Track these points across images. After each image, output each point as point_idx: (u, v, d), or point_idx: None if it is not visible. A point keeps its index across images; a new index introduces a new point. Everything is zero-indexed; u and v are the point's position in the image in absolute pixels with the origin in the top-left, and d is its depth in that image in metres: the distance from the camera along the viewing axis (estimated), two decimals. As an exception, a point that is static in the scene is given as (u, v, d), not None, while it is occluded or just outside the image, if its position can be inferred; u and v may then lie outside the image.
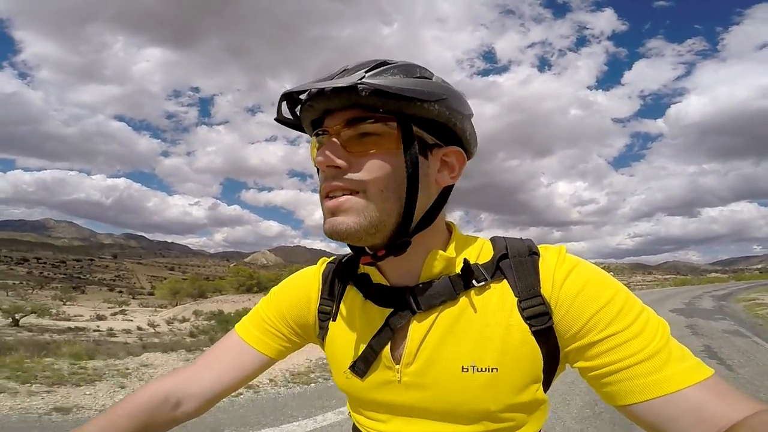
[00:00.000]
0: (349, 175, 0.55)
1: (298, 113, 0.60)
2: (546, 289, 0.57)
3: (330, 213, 0.56)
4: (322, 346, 0.71)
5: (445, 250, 0.62)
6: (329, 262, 0.73)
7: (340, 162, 0.55)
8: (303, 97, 0.57)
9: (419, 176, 0.55)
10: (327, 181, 0.56)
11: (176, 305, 41.42)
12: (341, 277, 0.69)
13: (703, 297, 20.13)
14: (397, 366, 0.61)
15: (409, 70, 0.55)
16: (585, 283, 0.56)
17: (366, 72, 0.53)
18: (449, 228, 0.66)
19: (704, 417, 0.48)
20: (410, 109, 0.53)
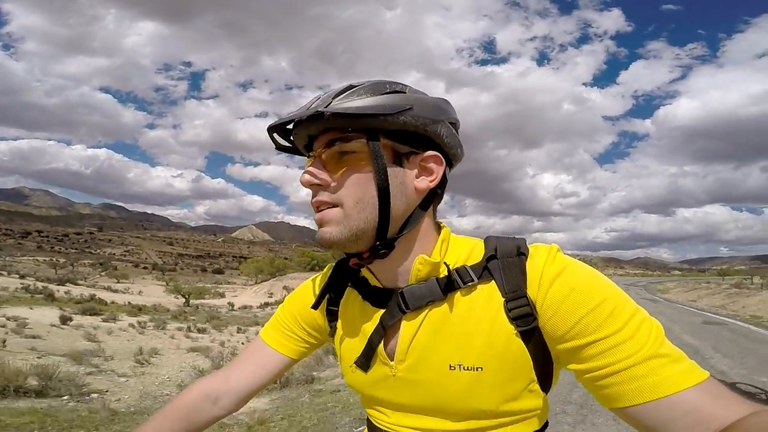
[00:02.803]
0: (329, 191, 0.61)
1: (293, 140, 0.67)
2: (533, 290, 0.58)
3: (318, 225, 0.63)
4: (334, 343, 0.79)
5: (431, 254, 0.65)
6: (335, 266, 0.77)
7: (319, 180, 0.61)
8: (290, 126, 0.63)
9: (394, 184, 0.60)
10: (313, 197, 0.63)
11: (257, 283, 56.82)
12: (344, 279, 0.74)
13: (640, 282, 35.43)
14: (392, 362, 0.65)
15: (376, 88, 0.60)
16: (574, 285, 0.56)
17: (333, 98, 0.59)
18: (440, 231, 0.69)
19: (700, 419, 0.48)
20: (375, 124, 0.58)
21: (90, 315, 16.60)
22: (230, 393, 0.77)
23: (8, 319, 11.43)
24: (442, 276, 0.63)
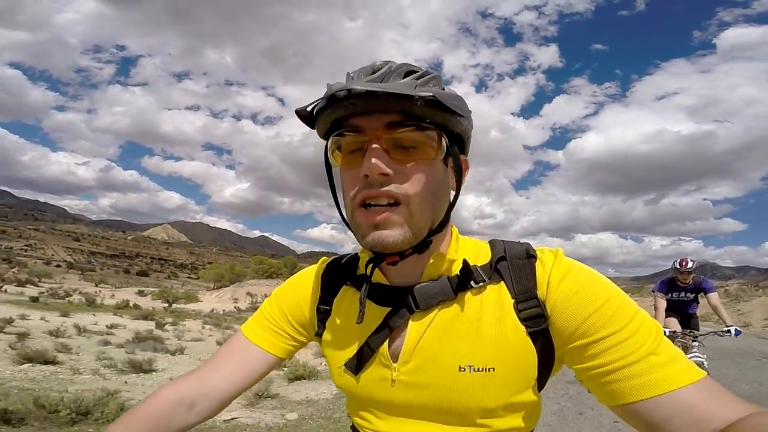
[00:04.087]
0: (394, 185, 0.55)
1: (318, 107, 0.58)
2: (542, 291, 0.59)
3: (373, 227, 0.57)
4: (320, 343, 0.74)
5: (446, 252, 0.64)
6: (329, 262, 0.75)
7: (389, 170, 0.55)
8: (342, 94, 0.54)
9: (445, 183, 0.61)
10: (368, 188, 0.56)
11: (216, 289, 56.36)
12: (341, 276, 0.72)
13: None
14: (394, 364, 0.63)
15: (440, 82, 0.59)
16: (581, 285, 0.57)
17: (416, 79, 0.56)
18: (450, 229, 0.68)
19: (697, 418, 0.48)
20: (452, 122, 0.57)
21: (148, 320, 17.81)
22: (208, 397, 0.68)
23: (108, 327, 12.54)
24: (453, 275, 0.63)
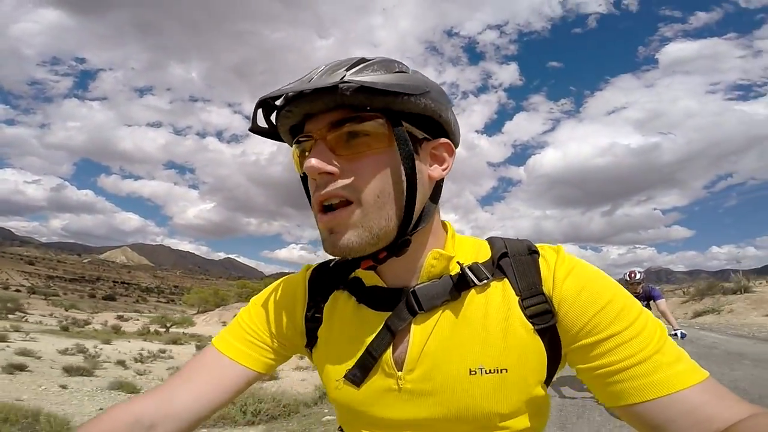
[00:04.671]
0: (342, 182, 0.52)
1: (274, 121, 0.58)
2: (547, 287, 0.57)
3: (328, 230, 0.54)
4: (310, 356, 0.68)
5: (444, 249, 0.61)
6: (314, 268, 0.69)
7: (331, 168, 0.52)
8: (279, 102, 0.54)
9: (416, 174, 0.54)
10: (319, 190, 0.54)
11: (200, 313, 55.57)
12: (330, 281, 0.66)
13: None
14: (399, 372, 0.58)
15: (388, 65, 0.54)
16: (586, 282, 0.56)
17: (346, 70, 0.51)
18: (445, 227, 0.65)
19: (701, 419, 0.48)
20: (398, 104, 0.52)
21: (178, 344, 18.47)
22: (172, 417, 0.58)
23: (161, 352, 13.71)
24: (454, 273, 0.59)
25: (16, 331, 16.55)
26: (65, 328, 20.32)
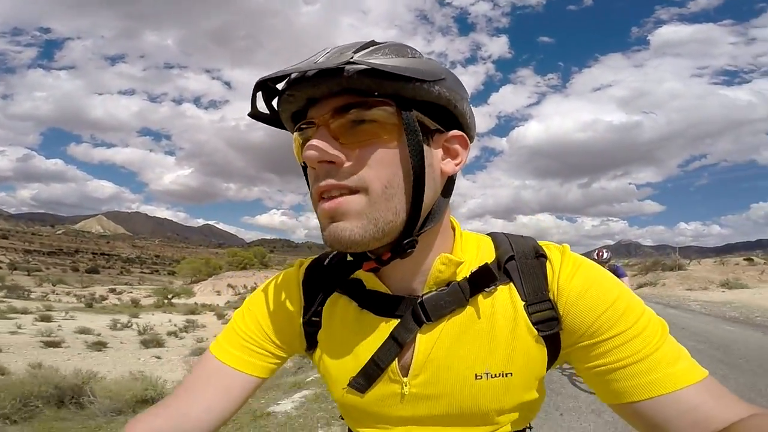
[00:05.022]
0: (346, 172, 0.48)
1: (275, 106, 0.53)
2: (553, 292, 0.56)
3: (328, 218, 0.49)
4: (312, 358, 0.66)
5: (452, 252, 0.58)
6: (308, 267, 0.65)
7: (334, 155, 0.48)
8: (280, 86, 0.50)
9: (425, 165, 0.49)
10: (319, 180, 0.49)
11: (193, 283, 57.23)
12: (327, 282, 0.62)
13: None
14: (404, 379, 0.57)
15: (400, 50, 0.49)
16: (590, 283, 0.55)
17: (354, 52, 0.47)
18: (453, 227, 0.61)
19: (699, 419, 0.47)
20: (409, 91, 0.47)
21: (196, 314, 20.90)
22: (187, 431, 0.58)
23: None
24: (462, 278, 0.56)
25: (49, 310, 18.58)
26: (89, 305, 22.35)
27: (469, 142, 0.56)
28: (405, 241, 0.51)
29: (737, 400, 0.49)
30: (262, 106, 0.53)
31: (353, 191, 0.48)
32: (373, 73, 0.45)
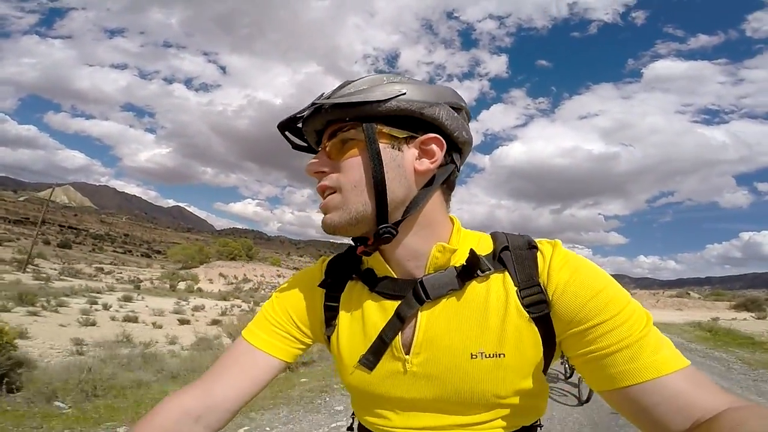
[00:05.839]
0: (330, 177, 0.64)
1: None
2: (543, 278, 0.62)
3: (322, 212, 0.65)
4: (328, 344, 0.74)
5: (449, 243, 0.66)
6: (330, 261, 0.76)
7: (321, 167, 0.65)
8: (300, 125, 0.67)
9: (391, 167, 0.61)
10: (317, 184, 0.66)
11: (185, 268, 58.43)
12: (345, 271, 0.73)
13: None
14: (407, 356, 0.64)
15: (373, 81, 0.63)
16: (578, 272, 0.60)
17: (333, 92, 0.63)
18: (452, 222, 0.70)
19: (681, 406, 0.50)
20: (369, 111, 0.60)
21: (228, 300, 23.83)
22: (214, 408, 0.66)
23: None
24: (458, 264, 0.64)
25: (111, 291, 20.95)
26: (137, 287, 24.86)
27: (444, 142, 0.64)
28: (380, 228, 0.62)
29: (718, 390, 0.52)
30: (297, 140, 0.72)
31: (334, 191, 0.64)
32: (338, 105, 0.61)
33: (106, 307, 14.43)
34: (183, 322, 13.38)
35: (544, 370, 0.65)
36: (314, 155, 0.67)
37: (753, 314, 26.02)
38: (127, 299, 17.78)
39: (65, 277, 26.87)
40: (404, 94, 0.61)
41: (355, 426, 0.80)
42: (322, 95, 0.64)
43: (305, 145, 0.71)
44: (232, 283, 49.41)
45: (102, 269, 54.33)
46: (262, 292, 37.40)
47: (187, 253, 64.17)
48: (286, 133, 0.69)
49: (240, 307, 20.63)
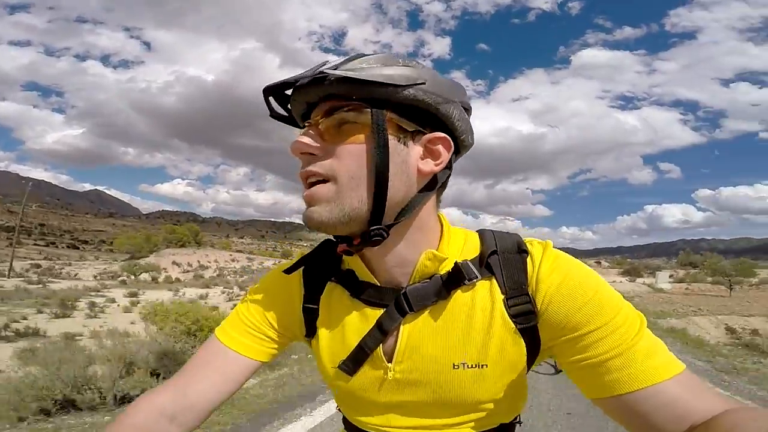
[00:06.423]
0: (321, 162, 0.55)
1: (290, 109, 0.61)
2: (531, 286, 0.58)
3: (306, 203, 0.57)
4: (309, 344, 0.71)
5: (437, 248, 0.61)
6: (307, 259, 0.69)
7: (312, 147, 0.55)
8: (289, 92, 0.58)
9: (395, 162, 0.54)
10: (302, 167, 0.57)
11: (134, 258, 56.81)
12: (323, 271, 0.67)
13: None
14: (389, 365, 0.61)
15: (387, 59, 0.55)
16: (569, 278, 0.56)
17: (340, 63, 0.54)
18: (441, 222, 0.65)
19: (678, 413, 0.48)
20: (382, 94, 0.52)
21: (212, 288, 26.20)
22: (188, 408, 0.63)
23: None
24: (444, 272, 0.60)
25: (105, 288, 22.03)
26: (123, 282, 26.06)
27: (452, 144, 0.58)
28: (372, 229, 0.55)
29: (714, 394, 0.51)
30: (278, 108, 0.62)
31: (325, 179, 0.55)
32: (347, 80, 0.51)
33: (128, 304, 15.55)
34: (213, 309, 15.84)
35: (527, 372, 0.63)
36: (301, 131, 0.58)
37: (628, 278, 36.16)
38: (133, 294, 19.50)
39: (16, 279, 27.14)
40: (424, 83, 0.54)
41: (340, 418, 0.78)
42: (325, 63, 0.55)
43: (286, 115, 0.62)
44: (188, 271, 50.04)
45: (39, 266, 51.81)
46: (228, 277, 39.12)
47: (134, 243, 62.57)
48: (270, 98, 0.59)
49: (232, 291, 22.92)
